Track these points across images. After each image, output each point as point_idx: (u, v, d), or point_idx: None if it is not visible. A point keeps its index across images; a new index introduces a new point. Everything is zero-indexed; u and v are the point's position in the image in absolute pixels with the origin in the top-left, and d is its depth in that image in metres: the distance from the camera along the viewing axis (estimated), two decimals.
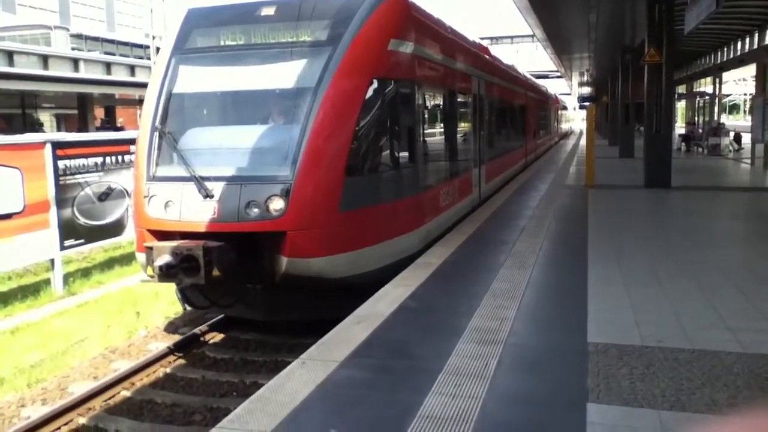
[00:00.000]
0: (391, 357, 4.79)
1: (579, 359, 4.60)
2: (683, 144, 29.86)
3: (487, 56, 15.08)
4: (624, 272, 7.17)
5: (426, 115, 9.26)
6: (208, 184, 6.85)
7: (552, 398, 4.02)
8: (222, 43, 7.74)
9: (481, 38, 16.30)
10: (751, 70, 34.34)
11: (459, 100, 11.59)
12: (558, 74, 55.60)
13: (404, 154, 8.20)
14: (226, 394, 6.38)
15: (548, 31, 25.54)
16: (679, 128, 40.52)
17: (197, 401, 6.21)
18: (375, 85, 7.47)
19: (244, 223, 6.71)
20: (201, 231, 6.81)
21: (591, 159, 16.47)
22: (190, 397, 6.32)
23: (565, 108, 64.05)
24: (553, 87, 50.67)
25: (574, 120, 78.40)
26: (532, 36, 35.54)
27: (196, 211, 6.85)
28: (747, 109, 60.16)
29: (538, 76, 41.86)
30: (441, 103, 10.56)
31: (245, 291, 7.03)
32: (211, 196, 6.81)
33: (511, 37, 66.33)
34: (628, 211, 12.19)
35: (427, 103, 9.47)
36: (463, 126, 12.03)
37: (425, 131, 9.08)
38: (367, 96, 7.33)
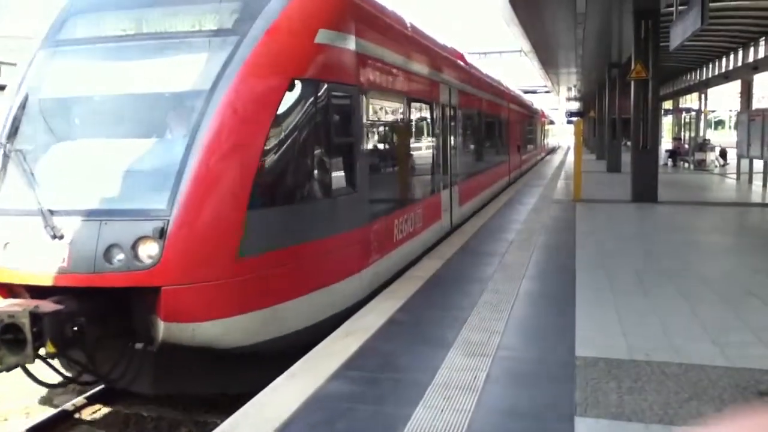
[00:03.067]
0: (380, 370, 4.77)
1: (567, 372, 4.61)
2: (670, 159, 30.16)
3: (462, 63, 13.46)
4: (612, 285, 7.20)
5: (374, 128, 7.59)
6: (58, 220, 5.15)
7: (540, 411, 4.01)
8: (103, 33, 6.05)
9: (470, 53, 16.20)
10: (735, 86, 34.81)
11: (422, 110, 10.03)
12: (546, 89, 56.08)
13: (340, 176, 6.46)
14: (212, 407, 6.32)
15: (535, 45, 25.79)
16: (667, 143, 40.91)
17: (183, 414, 6.14)
18: (297, 87, 5.82)
19: (103, 274, 4.96)
20: (46, 285, 5.06)
21: (579, 174, 16.60)
22: (176, 411, 6.25)
23: (552, 122, 64.49)
24: (541, 102, 51.07)
25: (562, 135, 79.01)
26: (521, 51, 35.88)
27: (41, 257, 5.11)
28: (732, 124, 60.91)
29: (526, 91, 42.12)
30: (396, 113, 8.71)
31: (124, 355, 5.37)
32: (61, 237, 5.09)
33: (500, 52, 66.84)
34: (616, 225, 12.26)
35: (376, 114, 7.76)
36: (429, 141, 10.42)
37: (372, 148, 7.51)
38: (285, 101, 5.68)
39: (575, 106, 62.08)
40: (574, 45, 24.49)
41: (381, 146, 8.09)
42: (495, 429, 3.82)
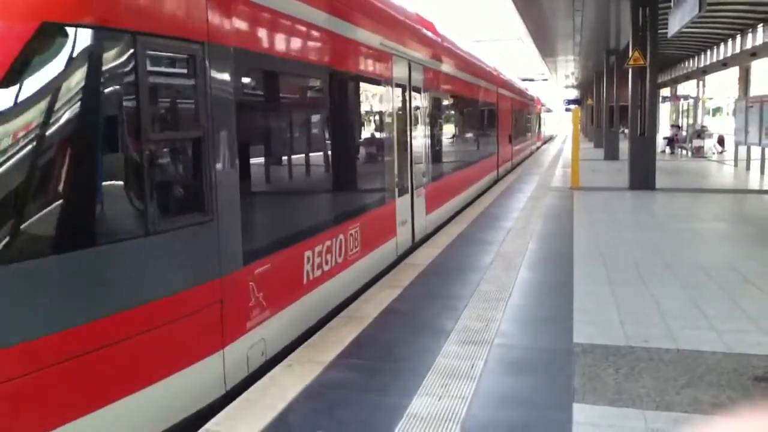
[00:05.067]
0: (379, 358, 4.79)
1: (565, 359, 4.63)
2: (667, 146, 30.17)
3: (431, 34, 10.84)
4: (609, 272, 7.22)
5: (255, 115, 5.05)
6: None
7: (538, 398, 4.03)
8: None
9: (469, 41, 16.02)
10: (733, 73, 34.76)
11: (358, 89, 7.14)
12: (543, 77, 55.97)
13: (170, 196, 3.97)
14: None
15: (533, 33, 25.69)
16: (665, 130, 40.92)
17: None
18: (59, 39, 3.32)
19: None
20: None
21: (576, 161, 16.60)
22: None
23: (549, 111, 64.30)
24: (539, 90, 50.95)
25: (560, 123, 78.85)
26: (519, 39, 35.77)
27: None
28: (730, 111, 60.91)
29: (524, 80, 41.92)
30: (305, 92, 6.22)
31: None
32: None
33: (498, 40, 66.58)
34: (613, 212, 12.27)
35: (261, 91, 5.23)
36: (371, 132, 7.79)
37: (253, 146, 4.86)
38: (31, 64, 3.24)
39: (573, 93, 62.01)
40: (572, 32, 24.40)
41: (274, 143, 5.42)
42: (493, 416, 3.83)
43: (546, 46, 30.70)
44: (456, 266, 7.75)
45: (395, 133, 8.33)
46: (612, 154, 26.84)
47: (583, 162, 17.46)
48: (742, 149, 20.70)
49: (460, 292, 6.53)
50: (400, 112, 8.63)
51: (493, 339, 5.10)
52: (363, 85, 7.30)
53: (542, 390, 4.15)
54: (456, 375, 4.38)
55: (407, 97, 8.95)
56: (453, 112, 13.04)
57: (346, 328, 5.43)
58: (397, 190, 8.33)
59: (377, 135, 7.90)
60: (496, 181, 18.74)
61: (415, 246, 9.06)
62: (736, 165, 21.39)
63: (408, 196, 8.89)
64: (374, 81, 7.65)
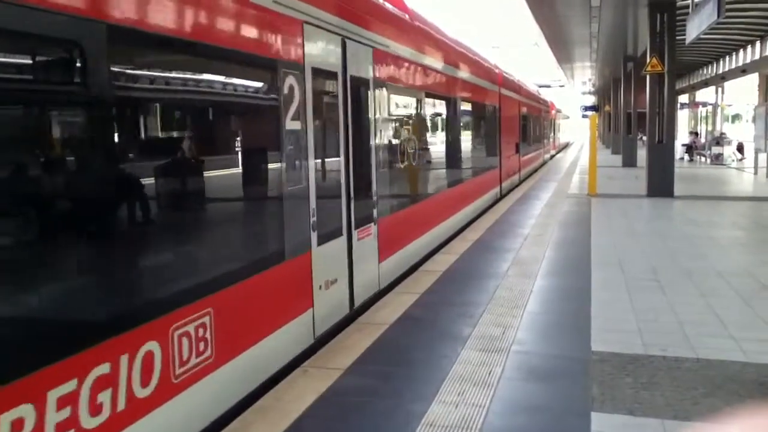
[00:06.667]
0: (395, 364, 4.79)
1: (583, 368, 4.60)
2: (686, 153, 29.95)
3: (392, 7, 8.10)
4: (627, 279, 7.17)
5: None
6: None
7: (556, 407, 4.01)
8: None
9: (488, 47, 15.69)
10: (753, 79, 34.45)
11: (216, 70, 4.22)
12: (560, 83, 55.78)
13: None
14: None
15: (549, 40, 25.64)
16: (683, 137, 40.60)
17: None
18: None
19: None
20: None
21: (594, 168, 16.54)
22: None
23: (567, 117, 63.87)
24: (556, 96, 50.72)
25: (577, 129, 78.40)
26: (536, 44, 35.69)
27: None
28: (749, 118, 60.35)
29: (541, 86, 41.66)
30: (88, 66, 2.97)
31: None
32: None
33: (516, 46, 66.53)
34: (631, 219, 12.18)
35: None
36: (246, 143, 4.73)
37: None
38: None
39: (590, 100, 61.76)
40: (589, 39, 24.33)
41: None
42: (511, 424, 3.82)
43: (563, 53, 30.63)
44: (473, 273, 7.74)
45: (309, 145, 5.27)
46: (630, 161, 26.69)
47: (600, 169, 17.39)
48: (762, 156, 20.49)
49: (477, 299, 6.52)
50: (325, 113, 5.75)
51: (511, 346, 5.09)
52: (219, 63, 4.23)
53: (560, 398, 4.13)
54: (473, 382, 4.37)
55: (340, 92, 6.03)
56: (430, 115, 9.98)
57: (362, 333, 5.44)
58: (315, 234, 5.34)
59: (262, 149, 4.89)
60: (498, 200, 15.93)
61: (356, 312, 6.19)
62: (755, 172, 21.16)
63: (341, 240, 5.98)
64: (250, 59, 4.49)
